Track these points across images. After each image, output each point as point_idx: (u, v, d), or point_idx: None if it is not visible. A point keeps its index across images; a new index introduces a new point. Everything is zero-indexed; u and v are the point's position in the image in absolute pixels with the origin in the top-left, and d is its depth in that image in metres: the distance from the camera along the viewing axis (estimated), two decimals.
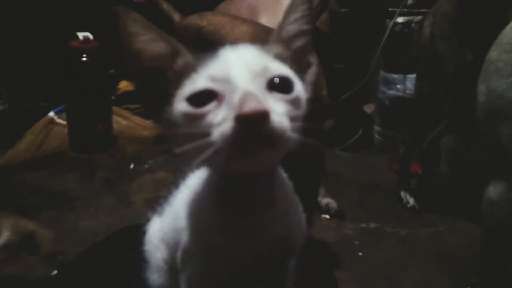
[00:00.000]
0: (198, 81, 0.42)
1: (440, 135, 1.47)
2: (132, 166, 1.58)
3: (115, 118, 1.83)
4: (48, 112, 1.77)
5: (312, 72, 0.50)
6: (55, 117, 1.76)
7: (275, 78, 0.42)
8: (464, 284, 1.05)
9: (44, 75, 1.77)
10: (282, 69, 0.43)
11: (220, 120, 0.39)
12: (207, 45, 1.08)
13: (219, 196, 0.50)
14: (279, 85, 0.41)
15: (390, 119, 1.83)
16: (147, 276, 0.66)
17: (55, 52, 1.65)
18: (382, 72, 1.85)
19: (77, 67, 1.64)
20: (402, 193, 1.40)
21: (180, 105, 0.42)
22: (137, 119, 1.94)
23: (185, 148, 0.40)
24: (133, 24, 0.46)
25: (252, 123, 0.37)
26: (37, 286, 0.96)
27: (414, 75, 1.59)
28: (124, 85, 2.22)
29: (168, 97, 0.45)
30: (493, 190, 0.84)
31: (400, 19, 1.78)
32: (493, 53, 0.84)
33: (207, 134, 0.39)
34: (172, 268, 0.62)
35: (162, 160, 1.61)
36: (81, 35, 1.63)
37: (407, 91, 1.74)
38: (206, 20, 1.43)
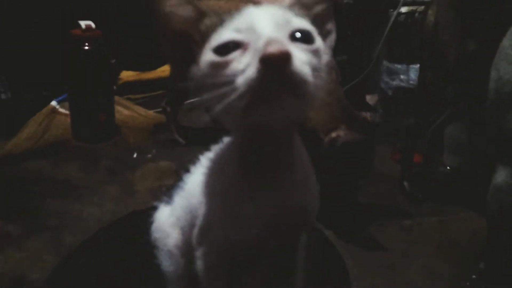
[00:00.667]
0: (224, 33, 0.44)
1: (443, 124, 1.47)
2: (135, 155, 1.58)
3: (117, 108, 1.83)
4: (50, 101, 1.76)
5: (332, 38, 0.51)
6: (57, 106, 1.75)
7: (297, 32, 0.43)
8: (468, 272, 1.05)
9: (45, 64, 1.77)
10: (304, 23, 0.45)
11: (244, 66, 0.40)
12: None
13: (241, 159, 0.52)
14: (301, 38, 0.43)
15: (393, 109, 1.83)
16: (159, 262, 0.67)
17: (57, 41, 1.64)
18: (385, 62, 1.85)
19: (79, 55, 1.63)
20: (405, 183, 1.40)
21: (207, 56, 0.44)
22: (139, 109, 1.94)
23: (209, 96, 0.42)
24: None
25: (276, 64, 0.38)
26: (44, 274, 0.97)
27: (417, 65, 1.59)
28: (125, 75, 2.21)
29: (194, 57, 0.47)
30: (499, 177, 0.84)
31: (403, 9, 1.77)
32: (505, 41, 0.84)
33: (231, 81, 0.40)
34: (184, 254, 0.63)
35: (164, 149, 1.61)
36: (83, 23, 1.61)
37: (411, 81, 1.73)
38: (203, 5, 1.42)
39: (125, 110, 1.89)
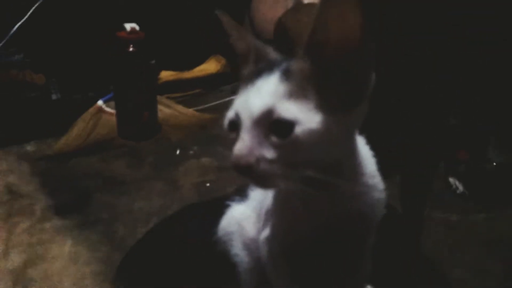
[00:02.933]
0: (231, 109, 0.50)
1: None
2: (178, 152, 1.63)
3: (159, 106, 1.88)
4: (96, 101, 1.84)
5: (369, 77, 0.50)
6: (104, 106, 1.82)
7: (275, 124, 0.46)
8: None
9: (92, 65, 1.85)
10: (286, 112, 0.45)
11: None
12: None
13: None
14: (278, 131, 0.46)
15: None
16: (234, 254, 0.70)
17: (103, 43, 1.71)
18: None
19: (124, 57, 1.69)
20: (451, 179, 1.38)
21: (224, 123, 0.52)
22: (179, 108, 1.99)
23: None
24: (227, 26, 0.57)
25: (240, 170, 0.46)
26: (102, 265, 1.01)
27: None
28: (165, 75, 2.27)
29: None
30: None
31: None
32: None
33: None
34: (259, 247, 0.66)
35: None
36: (128, 26, 1.67)
37: None
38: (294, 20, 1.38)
39: (166, 109, 1.94)
